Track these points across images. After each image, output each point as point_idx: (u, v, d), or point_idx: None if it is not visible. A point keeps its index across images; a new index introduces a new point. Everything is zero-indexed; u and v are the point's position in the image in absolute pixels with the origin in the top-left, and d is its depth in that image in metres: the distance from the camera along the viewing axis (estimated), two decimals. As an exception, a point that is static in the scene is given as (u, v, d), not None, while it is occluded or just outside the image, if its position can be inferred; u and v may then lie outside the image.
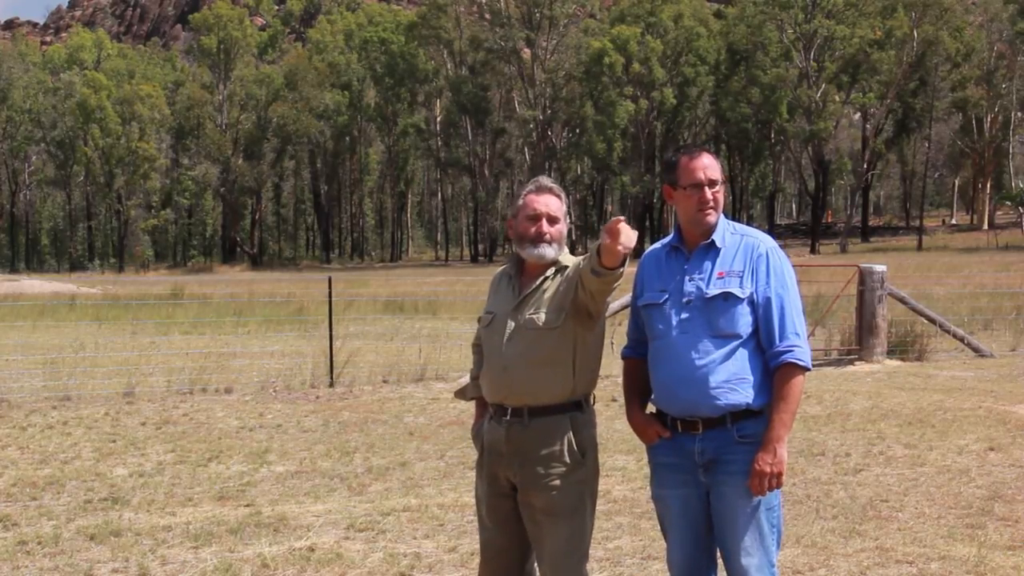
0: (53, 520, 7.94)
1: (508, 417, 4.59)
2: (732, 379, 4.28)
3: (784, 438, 4.26)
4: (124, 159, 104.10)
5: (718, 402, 4.28)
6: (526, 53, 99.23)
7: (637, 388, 4.65)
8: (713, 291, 4.33)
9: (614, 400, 13.51)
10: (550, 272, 4.62)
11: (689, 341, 4.33)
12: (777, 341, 4.31)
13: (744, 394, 4.28)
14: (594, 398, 4.75)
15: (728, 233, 4.45)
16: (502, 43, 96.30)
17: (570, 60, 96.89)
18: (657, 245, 4.63)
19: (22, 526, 7.79)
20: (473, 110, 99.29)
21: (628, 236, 4.07)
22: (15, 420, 12.45)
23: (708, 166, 4.41)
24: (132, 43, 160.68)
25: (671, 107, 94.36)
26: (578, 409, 4.61)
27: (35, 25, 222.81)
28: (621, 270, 4.22)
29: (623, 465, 9.63)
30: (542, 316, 4.54)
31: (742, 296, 4.32)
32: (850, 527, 7.56)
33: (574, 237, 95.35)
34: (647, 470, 9.09)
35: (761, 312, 4.33)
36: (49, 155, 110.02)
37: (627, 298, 16.57)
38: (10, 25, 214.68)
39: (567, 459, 4.56)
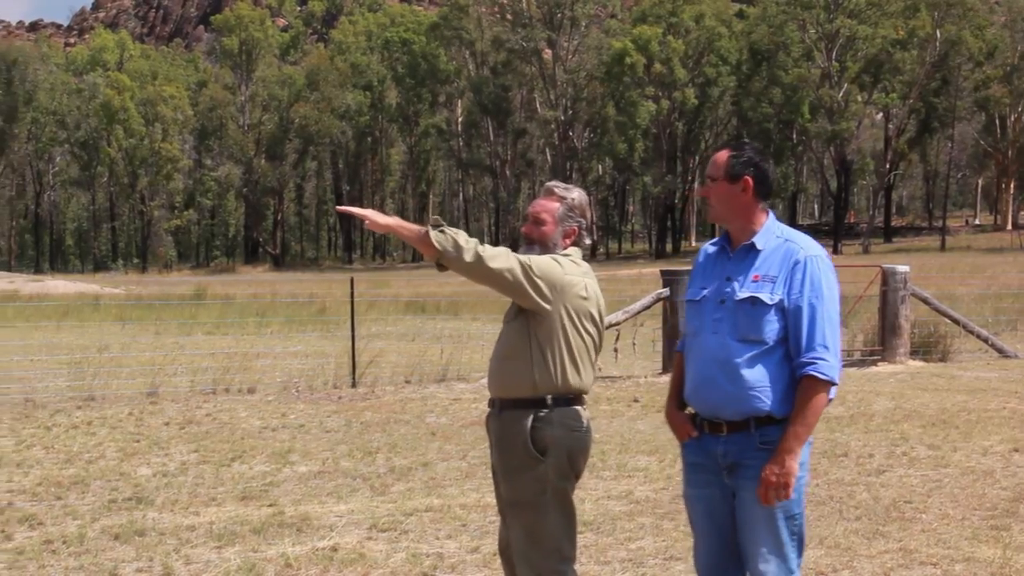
0: (78, 519, 7.99)
1: (489, 408, 4.86)
2: (755, 385, 4.23)
3: (795, 450, 4.19)
4: (147, 160, 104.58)
5: (740, 407, 4.25)
6: (547, 53, 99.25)
7: (681, 383, 4.61)
8: (743, 294, 4.29)
9: (636, 401, 13.52)
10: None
11: (718, 342, 4.30)
12: (803, 352, 4.23)
13: (766, 401, 4.24)
14: (581, 400, 4.79)
15: (772, 236, 4.38)
16: (524, 43, 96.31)
17: (591, 60, 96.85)
18: (710, 242, 4.63)
19: (48, 525, 7.84)
20: (494, 110, 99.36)
21: (374, 222, 4.45)
22: (40, 420, 12.52)
23: (712, 162, 4.46)
24: (155, 44, 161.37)
25: (693, 107, 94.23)
26: (542, 406, 4.66)
27: (59, 27, 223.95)
28: (438, 255, 4.43)
29: (645, 466, 9.62)
30: (508, 311, 4.78)
31: (770, 303, 4.25)
32: (873, 528, 7.54)
33: (595, 237, 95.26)
34: (669, 471, 9.15)
35: (791, 320, 4.25)
36: (73, 156, 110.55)
37: (648, 299, 16.59)
38: (34, 27, 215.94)
39: (523, 454, 4.65)
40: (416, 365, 16.56)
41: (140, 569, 6.83)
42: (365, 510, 8.19)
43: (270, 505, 8.38)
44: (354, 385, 15.39)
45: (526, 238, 4.80)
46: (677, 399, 4.61)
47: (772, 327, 4.25)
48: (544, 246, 4.76)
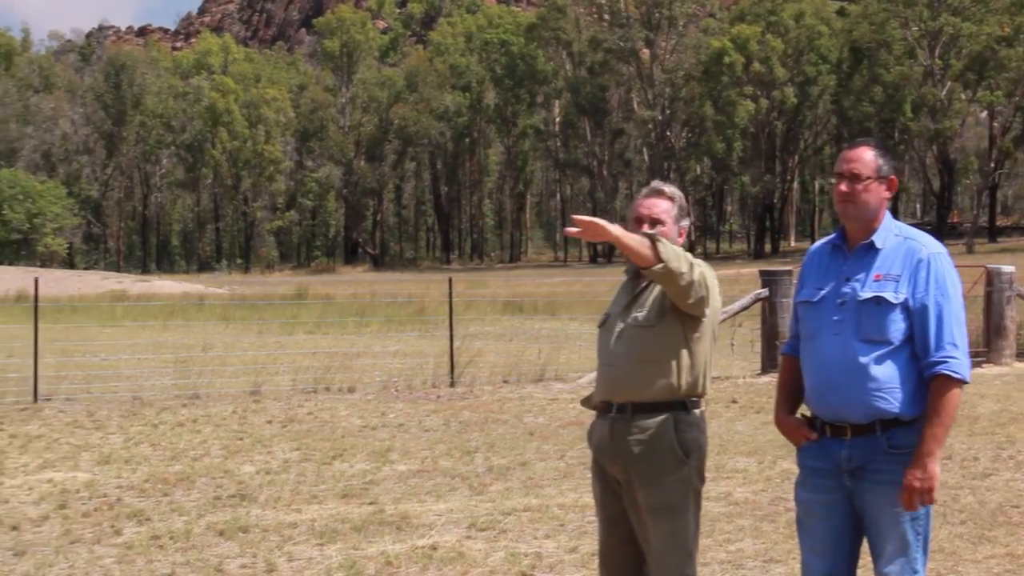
0: (184, 516, 8.16)
1: (613, 413, 4.66)
2: (882, 387, 4.16)
3: (936, 453, 4.13)
4: (250, 161, 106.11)
5: (866, 409, 4.18)
6: (645, 53, 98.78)
7: (790, 387, 4.54)
8: (866, 294, 4.22)
9: (734, 402, 13.43)
10: (644, 272, 4.66)
11: (840, 344, 4.23)
12: (933, 351, 4.16)
13: (894, 403, 4.17)
14: (705, 401, 4.74)
15: (891, 235, 4.32)
16: (621, 43, 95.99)
17: (689, 60, 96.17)
18: (822, 241, 4.54)
19: (155, 521, 8.02)
20: (592, 111, 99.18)
21: (606, 231, 4.28)
22: (148, 417, 12.80)
23: (857, 160, 4.30)
24: (258, 47, 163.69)
25: (792, 106, 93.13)
26: (683, 409, 4.62)
27: (166, 31, 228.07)
28: (661, 267, 4.32)
29: (744, 467, 9.56)
30: (643, 314, 4.63)
31: (895, 302, 4.18)
32: (979, 533, 7.41)
33: (693, 237, 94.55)
34: (768, 473, 9.08)
35: (917, 320, 4.18)
36: (179, 158, 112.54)
37: (747, 299, 16.46)
38: (143, 32, 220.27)
39: (669, 457, 4.58)
40: (514, 365, 16.61)
41: (244, 565, 6.96)
42: (464, 509, 8.25)
43: (370, 503, 8.48)
44: (452, 385, 15.49)
45: (580, 237, 4.69)
46: (787, 404, 4.53)
47: (898, 327, 4.19)
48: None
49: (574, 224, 4.37)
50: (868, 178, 4.29)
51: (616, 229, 4.32)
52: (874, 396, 4.16)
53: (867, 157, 4.31)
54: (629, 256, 4.36)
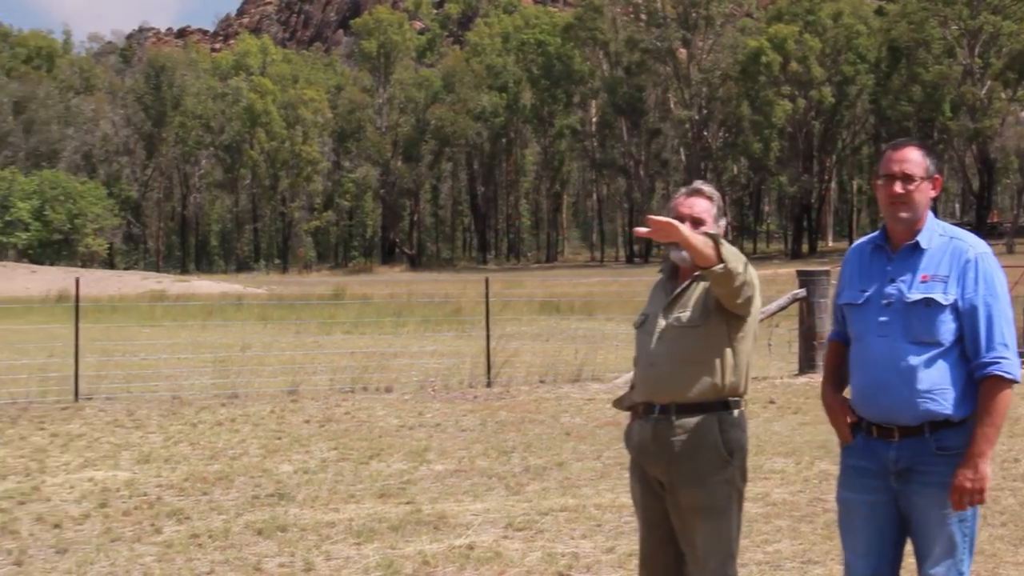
0: (223, 514, 8.21)
1: (656, 414, 4.64)
2: (933, 388, 4.14)
3: (987, 454, 4.11)
4: (288, 162, 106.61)
5: (916, 411, 4.15)
6: (682, 53, 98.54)
7: (836, 367, 4.52)
8: (914, 296, 4.19)
9: (771, 402, 13.38)
10: (699, 272, 4.65)
11: (888, 346, 4.20)
12: (983, 352, 4.14)
13: (944, 404, 4.14)
14: (745, 401, 4.73)
15: (936, 235, 4.28)
16: (658, 43, 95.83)
17: (726, 59, 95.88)
18: (863, 240, 4.50)
19: (194, 520, 8.08)
20: (628, 111, 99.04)
21: (677, 231, 4.26)
22: (187, 417, 12.90)
23: (907, 160, 4.26)
24: (296, 48, 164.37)
25: (830, 106, 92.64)
26: (725, 409, 4.61)
27: (205, 33, 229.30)
28: (721, 267, 4.31)
29: (781, 468, 9.52)
30: (687, 315, 4.61)
31: (945, 303, 4.16)
32: (1020, 535, 7.37)
33: (730, 238, 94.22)
34: (806, 473, 9.05)
35: (967, 321, 4.16)
36: (217, 159, 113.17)
37: (784, 299, 16.39)
38: (182, 33, 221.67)
39: (713, 458, 4.57)
40: (550, 365, 16.63)
41: (282, 564, 7.00)
42: (501, 509, 8.26)
43: (407, 503, 8.51)
44: (489, 385, 15.52)
45: (652, 237, 4.67)
46: (834, 381, 4.50)
47: (948, 328, 4.16)
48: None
49: (646, 224, 4.38)
50: (920, 178, 4.27)
51: (686, 229, 4.33)
52: (925, 398, 4.14)
53: (917, 157, 4.28)
54: (693, 256, 4.34)
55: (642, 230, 4.43)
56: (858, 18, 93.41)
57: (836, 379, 4.52)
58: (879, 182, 4.32)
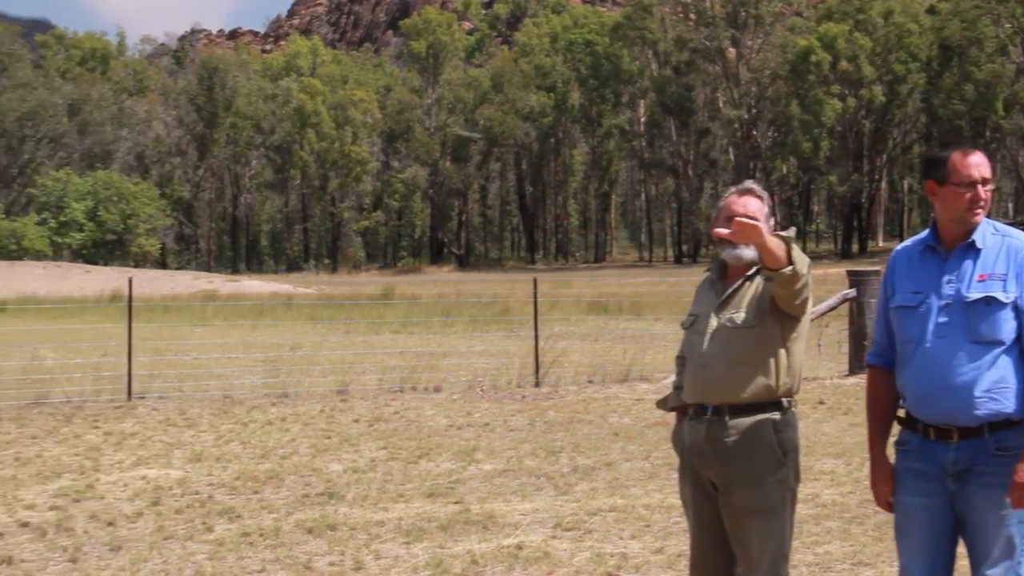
0: (274, 513, 8.28)
1: (708, 415, 4.62)
2: (994, 388, 4.11)
3: None
4: (338, 162, 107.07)
5: (977, 411, 4.12)
6: (731, 52, 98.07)
7: (882, 410, 4.46)
8: (974, 295, 4.15)
9: (821, 403, 13.31)
10: (751, 272, 4.64)
11: (947, 347, 4.16)
12: None
13: (1006, 403, 4.11)
14: (796, 401, 4.72)
15: (989, 233, 4.25)
16: (707, 43, 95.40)
17: (776, 59, 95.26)
18: (908, 243, 4.46)
19: (245, 518, 8.15)
20: (677, 110, 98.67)
21: (746, 234, 4.24)
22: (238, 416, 13.01)
23: (981, 164, 4.23)
24: (345, 49, 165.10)
25: (880, 105, 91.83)
26: (778, 409, 4.60)
27: (256, 34, 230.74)
28: (789, 269, 4.29)
29: (831, 469, 9.48)
30: (741, 315, 4.58)
31: (1006, 301, 4.13)
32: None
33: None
34: (856, 475, 9.00)
35: None
36: (268, 159, 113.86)
37: (834, 299, 16.29)
38: (234, 35, 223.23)
39: (768, 458, 4.56)
40: (599, 365, 16.62)
41: (332, 563, 7.05)
42: (549, 509, 8.28)
43: (456, 502, 8.54)
44: (537, 384, 15.53)
45: (732, 239, 4.62)
46: (881, 426, 4.46)
47: (1009, 326, 4.14)
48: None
49: (730, 226, 4.40)
50: (991, 181, 4.27)
51: (766, 230, 4.33)
52: (986, 397, 4.11)
53: (987, 160, 4.27)
54: (764, 257, 4.32)
55: (723, 231, 4.43)
56: (909, 16, 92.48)
57: (883, 424, 4.47)
58: (954, 188, 4.24)
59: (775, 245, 4.30)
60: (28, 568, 7.02)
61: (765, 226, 4.48)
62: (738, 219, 4.30)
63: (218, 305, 32.78)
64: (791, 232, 4.46)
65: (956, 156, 4.27)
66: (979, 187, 4.21)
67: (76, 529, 7.89)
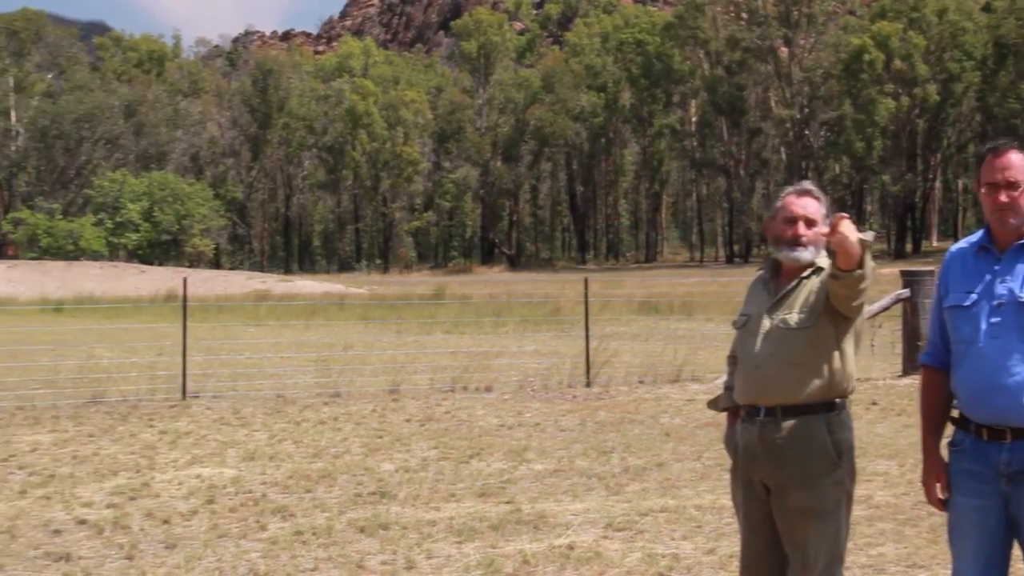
0: (326, 512, 8.34)
1: (761, 417, 4.59)
2: None
3: None
4: (389, 163, 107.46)
5: None
6: (783, 51, 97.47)
7: (935, 410, 4.44)
8: None
9: (874, 404, 13.22)
10: (806, 273, 4.62)
11: (1000, 347, 4.13)
12: None
13: None
14: (850, 402, 4.69)
15: None
16: (759, 42, 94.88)
17: (828, 58, 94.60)
18: (963, 244, 4.43)
19: (298, 517, 8.22)
20: (729, 110, 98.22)
21: (846, 235, 4.18)
22: (291, 415, 13.10)
23: (1010, 166, 4.18)
24: (397, 50, 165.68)
25: (934, 104, 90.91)
26: (832, 410, 4.57)
27: (309, 35, 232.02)
28: (860, 271, 4.26)
29: (885, 470, 9.42)
30: (795, 316, 4.55)
31: None
32: None
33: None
34: (910, 476, 8.93)
35: None
36: (320, 160, 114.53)
37: (887, 300, 16.16)
38: (287, 36, 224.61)
39: (823, 459, 4.53)
40: (650, 366, 16.59)
41: (385, 562, 7.09)
42: (600, 509, 8.28)
43: (507, 502, 8.56)
44: (588, 385, 15.53)
45: (791, 240, 4.61)
46: (934, 425, 4.43)
47: None
48: (818, 248, 4.62)
49: (790, 227, 4.46)
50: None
51: (853, 234, 4.30)
52: None
53: (1019, 161, 4.20)
54: (841, 258, 4.27)
55: (824, 230, 4.41)
56: (963, 14, 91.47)
57: (936, 424, 4.44)
58: (982, 190, 4.25)
59: (850, 246, 4.25)
60: (86, 565, 7.12)
61: (825, 227, 4.46)
62: (840, 215, 4.26)
63: (271, 305, 33.02)
64: (870, 235, 4.41)
65: (988, 156, 4.26)
66: (1001, 191, 4.17)
67: (132, 527, 7.99)
